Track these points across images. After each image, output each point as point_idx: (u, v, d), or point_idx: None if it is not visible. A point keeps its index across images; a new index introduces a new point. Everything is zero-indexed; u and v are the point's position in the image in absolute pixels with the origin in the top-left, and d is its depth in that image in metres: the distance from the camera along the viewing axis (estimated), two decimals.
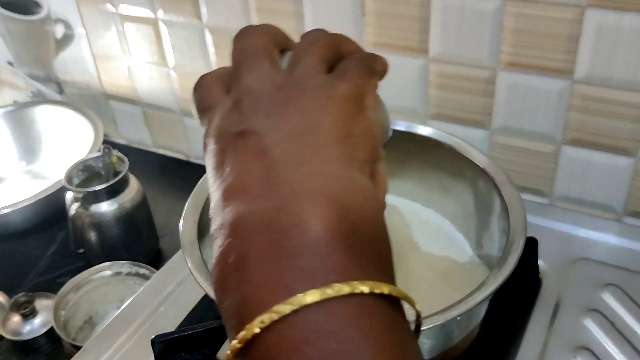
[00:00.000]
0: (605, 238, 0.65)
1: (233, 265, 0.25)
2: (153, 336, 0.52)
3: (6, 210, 0.81)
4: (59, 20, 0.94)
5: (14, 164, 0.99)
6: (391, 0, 0.67)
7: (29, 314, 0.70)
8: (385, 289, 0.24)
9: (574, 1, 0.59)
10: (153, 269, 0.72)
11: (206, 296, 0.48)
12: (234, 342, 0.23)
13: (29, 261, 0.81)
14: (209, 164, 0.29)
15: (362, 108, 0.30)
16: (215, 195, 0.28)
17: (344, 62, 0.32)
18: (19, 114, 0.99)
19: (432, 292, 0.53)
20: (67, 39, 0.95)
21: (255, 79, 0.31)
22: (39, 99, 1.05)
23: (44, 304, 0.72)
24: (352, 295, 0.23)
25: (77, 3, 0.90)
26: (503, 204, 0.51)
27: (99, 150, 0.77)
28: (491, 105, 0.69)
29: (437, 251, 0.57)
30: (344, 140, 0.28)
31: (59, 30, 0.95)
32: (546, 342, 0.55)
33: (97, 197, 0.73)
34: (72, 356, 0.58)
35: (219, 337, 0.51)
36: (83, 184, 0.75)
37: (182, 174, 0.94)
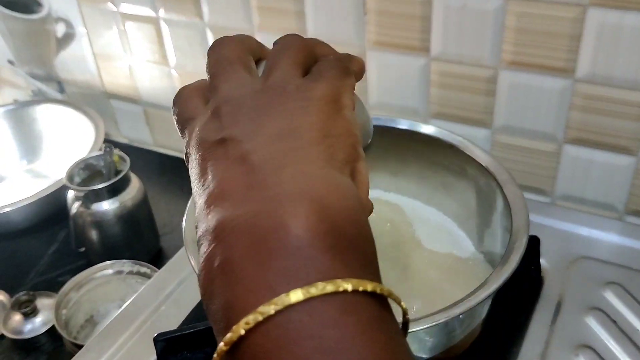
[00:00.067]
0: (606, 237, 0.65)
1: (218, 270, 0.25)
2: (155, 335, 0.52)
3: (7, 209, 0.81)
4: (59, 19, 0.94)
5: (15, 163, 0.99)
6: None
7: (30, 313, 0.70)
8: (369, 286, 0.24)
9: (576, 0, 0.59)
10: (154, 267, 0.72)
11: None
12: (221, 344, 0.23)
13: (30, 260, 0.81)
14: (193, 174, 0.29)
15: (339, 108, 0.30)
16: (199, 203, 0.28)
17: (318, 64, 0.33)
18: (19, 113, 0.99)
19: (435, 289, 0.53)
20: (68, 37, 0.95)
21: (232, 87, 0.31)
22: (40, 97, 1.05)
23: (45, 303, 0.72)
24: (336, 293, 0.23)
25: (78, 2, 0.90)
26: (505, 203, 0.51)
27: (100, 149, 0.77)
28: (493, 104, 0.69)
29: (440, 248, 0.57)
30: (323, 141, 0.28)
31: (60, 29, 0.95)
32: (548, 340, 0.55)
33: (98, 196, 0.73)
34: (73, 355, 0.58)
35: None
36: (84, 182, 0.75)
37: (183, 173, 0.92)
